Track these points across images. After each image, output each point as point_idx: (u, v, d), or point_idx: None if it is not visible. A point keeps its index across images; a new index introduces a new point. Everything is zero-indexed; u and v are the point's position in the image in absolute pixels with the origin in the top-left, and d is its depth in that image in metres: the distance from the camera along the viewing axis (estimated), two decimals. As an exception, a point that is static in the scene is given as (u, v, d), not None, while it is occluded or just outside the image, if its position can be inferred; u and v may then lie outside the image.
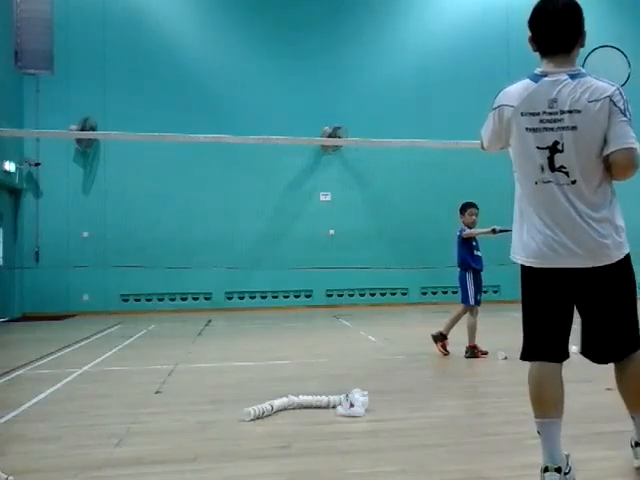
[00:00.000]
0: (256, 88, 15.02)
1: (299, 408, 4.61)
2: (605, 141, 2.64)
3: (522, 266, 2.89)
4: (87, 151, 14.52)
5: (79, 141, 14.29)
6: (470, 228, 7.21)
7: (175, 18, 15.03)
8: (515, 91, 2.80)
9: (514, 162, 2.88)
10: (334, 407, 4.55)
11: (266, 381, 5.79)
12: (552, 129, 2.68)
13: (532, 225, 2.78)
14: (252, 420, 4.28)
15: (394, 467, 3.31)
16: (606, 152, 2.64)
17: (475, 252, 7.18)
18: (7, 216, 13.72)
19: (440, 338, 7.20)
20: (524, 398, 4.93)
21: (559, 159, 2.67)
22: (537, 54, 2.84)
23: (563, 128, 2.66)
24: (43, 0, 14.52)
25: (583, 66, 3.05)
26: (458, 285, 7.24)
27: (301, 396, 4.69)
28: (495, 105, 2.89)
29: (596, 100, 2.63)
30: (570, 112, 2.64)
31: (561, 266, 2.72)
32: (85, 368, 6.73)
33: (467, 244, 7.16)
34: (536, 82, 2.73)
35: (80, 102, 14.02)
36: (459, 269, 7.22)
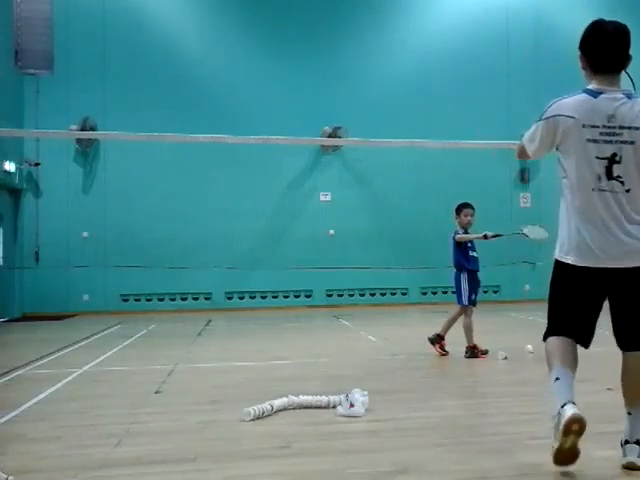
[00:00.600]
0: (256, 88, 15.01)
1: (299, 408, 4.62)
2: None
3: (561, 262, 3.17)
4: (87, 151, 14.51)
5: (79, 141, 14.28)
6: (465, 229, 7.21)
7: (175, 18, 15.02)
8: (573, 103, 3.05)
9: (568, 169, 3.10)
10: (334, 407, 4.56)
11: (266, 381, 5.79)
12: (611, 142, 2.97)
13: (583, 228, 3.03)
14: (252, 420, 4.29)
15: (394, 467, 3.31)
16: None
17: (470, 253, 7.18)
18: (7, 216, 13.72)
19: (437, 340, 7.21)
20: (524, 398, 4.97)
21: (616, 169, 2.98)
22: (584, 72, 3.15)
23: (622, 142, 2.97)
24: (43, 0, 14.51)
25: None
26: (453, 285, 7.26)
27: (301, 396, 4.70)
28: (548, 115, 3.11)
29: None
30: (629, 128, 2.97)
31: (606, 266, 3.01)
32: (85, 368, 6.73)
33: (462, 246, 7.16)
34: (594, 97, 3.02)
35: (80, 102, 14.01)
36: (454, 270, 7.24)
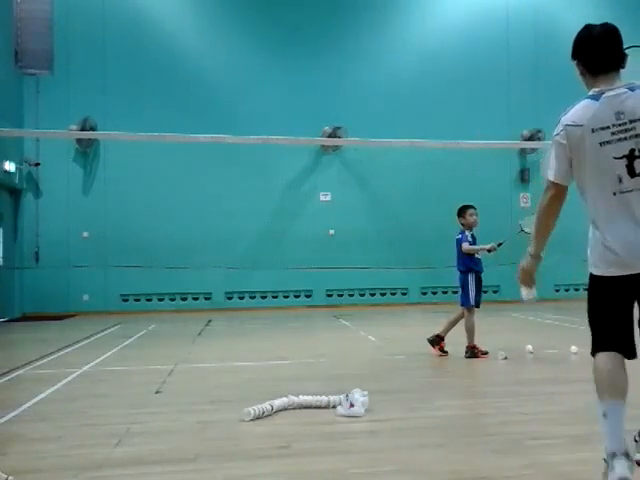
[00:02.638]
0: (256, 88, 15.02)
1: (299, 408, 4.62)
2: None
3: (592, 275, 3.05)
4: (87, 151, 14.51)
5: (79, 141, 14.28)
6: (472, 228, 7.23)
7: (175, 18, 15.02)
8: (577, 112, 2.99)
9: (583, 179, 2.99)
10: (334, 407, 4.56)
11: (266, 381, 5.79)
12: (625, 138, 2.88)
13: (609, 236, 2.91)
14: (252, 420, 4.29)
15: (394, 467, 3.31)
16: None
17: (475, 255, 7.20)
18: (7, 216, 13.72)
19: (437, 341, 7.21)
20: (524, 398, 4.97)
21: (638, 165, 2.88)
22: (582, 78, 3.10)
23: (637, 136, 2.88)
24: (43, 0, 14.51)
25: None
26: (459, 287, 7.24)
27: (301, 396, 4.70)
28: (558, 130, 3.03)
29: None
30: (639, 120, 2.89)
31: (638, 272, 2.89)
32: (85, 368, 6.73)
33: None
34: (597, 100, 2.95)
35: (80, 102, 14.01)
36: (460, 272, 7.21)
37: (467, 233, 7.19)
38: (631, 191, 2.86)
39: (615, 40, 3.04)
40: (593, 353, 3.05)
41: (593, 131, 2.92)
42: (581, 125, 2.94)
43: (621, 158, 2.89)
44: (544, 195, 3.10)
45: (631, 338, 3.01)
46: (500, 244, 7.12)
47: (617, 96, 2.94)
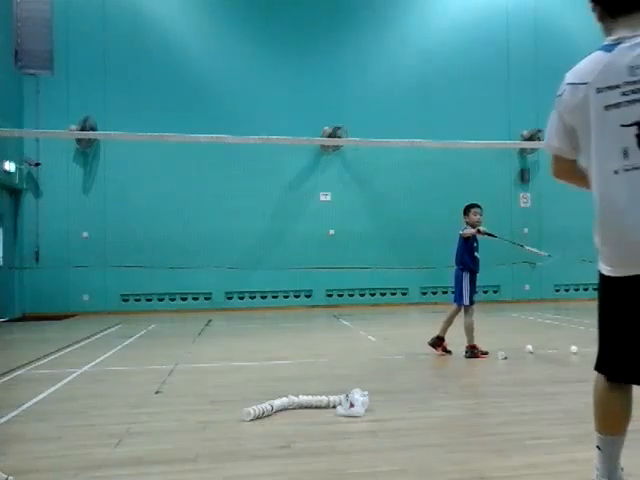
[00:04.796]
0: (256, 88, 15.01)
1: (299, 408, 4.62)
2: None
3: (601, 275, 2.47)
4: (87, 151, 14.51)
5: (79, 141, 14.28)
6: (475, 227, 7.26)
7: (175, 18, 15.02)
8: (584, 66, 2.40)
9: (588, 154, 2.42)
10: (334, 407, 4.55)
11: (266, 381, 5.79)
12: (638, 100, 2.26)
13: (612, 225, 2.35)
14: (252, 420, 4.29)
15: (394, 467, 3.31)
16: None
17: (475, 253, 7.21)
18: (7, 216, 13.72)
19: (438, 343, 7.24)
20: (524, 398, 4.97)
21: None
22: (601, 25, 2.48)
23: None
24: (43, 0, 14.51)
25: None
26: (453, 284, 7.28)
27: (301, 396, 4.70)
28: (559, 91, 2.48)
29: None
30: None
31: None
32: (85, 368, 6.73)
33: (468, 244, 7.18)
34: (609, 51, 2.33)
35: (80, 102, 14.02)
36: (456, 268, 7.26)
37: (469, 229, 7.23)
38: (639, 168, 2.26)
39: None
40: (596, 370, 2.53)
41: (598, 91, 2.31)
42: (585, 83, 2.35)
43: (630, 126, 2.27)
44: (552, 170, 2.60)
45: None
46: (491, 235, 7.23)
47: (635, 46, 2.27)
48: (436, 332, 7.29)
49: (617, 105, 2.29)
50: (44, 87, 14.36)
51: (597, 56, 2.36)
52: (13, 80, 14.08)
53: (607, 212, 2.36)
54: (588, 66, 2.37)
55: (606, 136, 2.32)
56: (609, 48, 2.34)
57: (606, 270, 2.41)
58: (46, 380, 5.98)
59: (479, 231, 7.14)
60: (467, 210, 7.33)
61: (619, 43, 2.33)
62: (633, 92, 2.26)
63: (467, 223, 7.28)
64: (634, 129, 2.27)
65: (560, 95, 2.46)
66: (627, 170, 2.27)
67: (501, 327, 10.37)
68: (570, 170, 2.53)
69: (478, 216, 7.26)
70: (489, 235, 7.21)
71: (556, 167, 2.57)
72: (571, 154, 2.49)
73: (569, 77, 2.43)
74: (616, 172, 2.30)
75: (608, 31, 2.41)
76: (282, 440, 3.83)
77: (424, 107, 15.33)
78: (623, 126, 2.28)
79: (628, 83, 2.27)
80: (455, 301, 7.23)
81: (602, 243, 2.42)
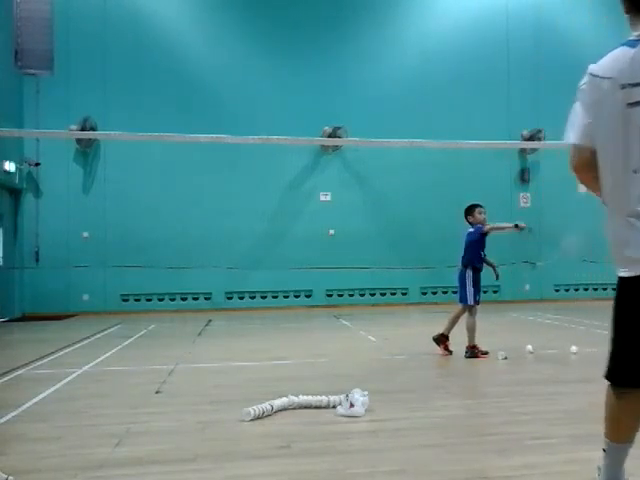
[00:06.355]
0: (256, 88, 15.01)
1: (299, 408, 4.62)
2: None
3: (618, 277, 2.39)
4: (87, 151, 14.51)
5: (79, 141, 14.28)
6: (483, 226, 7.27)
7: (175, 18, 15.02)
8: (608, 61, 2.33)
9: (601, 154, 2.36)
10: (334, 407, 4.55)
11: (266, 381, 5.79)
12: None
13: (630, 226, 2.27)
14: (252, 420, 4.29)
15: (394, 467, 3.31)
16: None
17: (481, 252, 7.22)
18: (7, 216, 13.71)
19: (442, 340, 7.23)
20: (524, 398, 4.97)
21: None
22: (628, 17, 2.40)
23: None
24: (43, 0, 14.51)
25: None
26: (457, 284, 7.27)
27: (301, 396, 4.70)
28: (582, 83, 2.40)
29: None
30: None
31: None
32: (85, 368, 6.73)
33: (481, 242, 7.18)
34: (634, 47, 2.26)
35: (80, 102, 14.01)
36: (460, 267, 7.24)
37: (484, 226, 7.22)
38: None
39: None
40: (607, 379, 2.45)
41: (623, 87, 2.22)
42: (609, 78, 2.26)
43: None
44: (571, 164, 2.46)
45: None
46: (525, 227, 7.27)
47: None
48: (437, 331, 7.30)
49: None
50: (44, 87, 14.36)
51: (621, 51, 2.29)
52: (13, 80, 14.07)
53: (624, 212, 2.27)
54: (611, 62, 2.30)
55: (627, 134, 2.24)
56: (634, 44, 2.27)
57: (622, 272, 2.34)
58: (46, 380, 5.98)
59: (517, 226, 7.14)
60: (471, 210, 7.30)
61: None
62: None
63: (471, 223, 7.28)
64: None
65: (583, 86, 2.39)
66: None
67: (501, 327, 10.36)
68: (590, 164, 2.40)
69: (483, 215, 7.27)
70: (524, 228, 7.32)
71: (577, 160, 2.44)
72: (593, 143, 2.40)
73: (593, 68, 2.35)
74: (635, 172, 2.22)
75: (634, 25, 2.34)
76: (282, 440, 3.83)
77: (424, 107, 15.33)
78: None
79: None
80: (460, 301, 7.22)
81: (616, 244, 2.34)
